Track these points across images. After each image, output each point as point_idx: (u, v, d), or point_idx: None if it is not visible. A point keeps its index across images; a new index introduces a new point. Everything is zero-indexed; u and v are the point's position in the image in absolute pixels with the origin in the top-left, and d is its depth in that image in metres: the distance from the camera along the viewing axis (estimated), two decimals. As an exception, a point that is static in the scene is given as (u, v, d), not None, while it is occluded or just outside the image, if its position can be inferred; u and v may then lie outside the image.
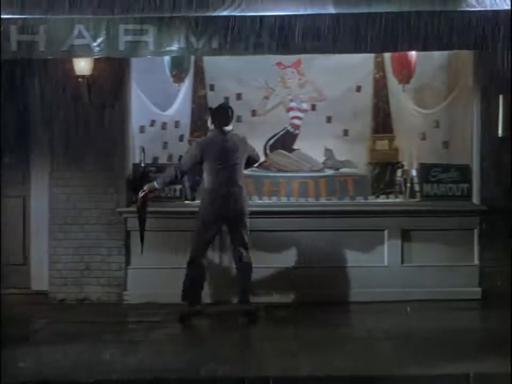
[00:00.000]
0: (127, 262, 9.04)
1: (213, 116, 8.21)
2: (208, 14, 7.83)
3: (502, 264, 9.05)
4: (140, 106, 9.42)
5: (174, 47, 7.81)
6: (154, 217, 8.92)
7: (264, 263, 8.89)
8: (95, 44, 7.71)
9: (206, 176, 8.11)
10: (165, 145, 9.79)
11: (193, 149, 8.20)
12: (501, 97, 9.02)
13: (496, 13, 7.80)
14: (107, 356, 6.80)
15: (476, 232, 9.11)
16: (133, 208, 8.71)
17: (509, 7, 7.83)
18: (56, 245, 9.03)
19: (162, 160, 9.60)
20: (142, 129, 9.59)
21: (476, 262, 9.11)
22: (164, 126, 9.77)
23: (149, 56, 8.05)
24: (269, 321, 8.17)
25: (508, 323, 7.47)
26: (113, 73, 8.90)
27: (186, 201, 9.24)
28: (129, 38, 7.75)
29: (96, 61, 8.65)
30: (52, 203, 9.04)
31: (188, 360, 6.77)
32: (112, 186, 9.01)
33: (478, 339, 7.55)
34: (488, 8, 7.86)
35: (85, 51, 7.80)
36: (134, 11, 7.81)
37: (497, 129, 9.08)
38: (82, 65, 8.66)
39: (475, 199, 9.17)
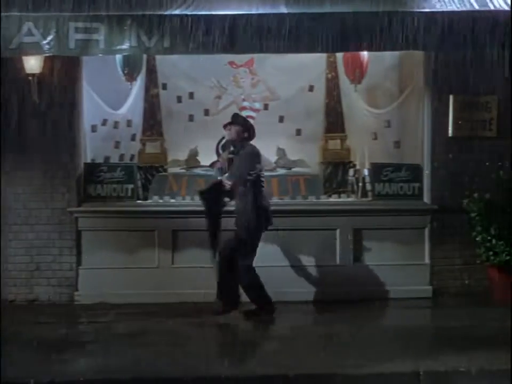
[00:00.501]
0: (78, 262, 8.97)
1: (249, 128, 8.02)
2: (159, 12, 7.80)
3: (452, 263, 9.17)
4: (92, 105, 9.35)
5: (125, 45, 7.76)
6: (105, 216, 8.91)
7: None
8: (44, 42, 7.64)
9: (255, 188, 7.93)
10: (117, 144, 9.73)
11: (257, 158, 8.02)
12: (451, 97, 9.12)
13: (446, 14, 7.89)
14: (56, 357, 6.73)
15: (426, 231, 9.20)
16: (84, 208, 8.69)
17: (456, 9, 7.93)
18: (6, 245, 8.91)
19: (114, 159, 9.54)
20: (93, 128, 9.52)
21: (427, 260, 9.20)
22: (116, 125, 9.71)
23: (100, 55, 7.99)
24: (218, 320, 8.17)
25: (466, 321, 7.62)
26: (64, 72, 8.82)
27: (138, 201, 9.20)
28: (79, 36, 7.70)
29: (47, 59, 8.57)
30: (1, 203, 8.91)
31: (139, 360, 6.72)
32: (63, 186, 8.93)
33: (429, 337, 7.61)
34: (437, 10, 7.94)
35: (35, 49, 7.73)
36: (84, 9, 7.75)
37: (447, 129, 9.18)
38: (32, 64, 8.56)
39: (426, 198, 9.26)
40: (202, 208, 8.78)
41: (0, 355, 6.59)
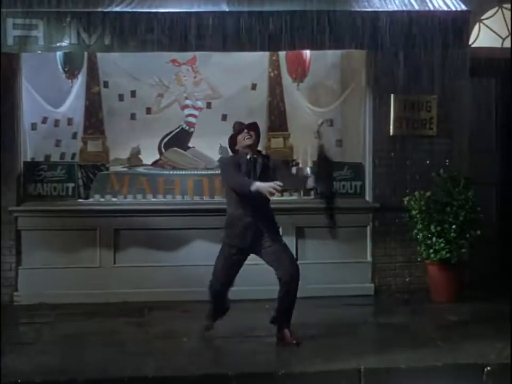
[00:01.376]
0: (18, 262, 8.84)
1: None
2: (100, 9, 7.73)
3: (394, 261, 9.25)
4: (31, 102, 9.21)
5: (65, 42, 7.69)
6: (45, 216, 8.81)
7: (159, 262, 8.89)
8: (-19, 38, 7.52)
9: None
10: (57, 142, 9.59)
11: None
12: (392, 96, 9.20)
13: (386, 13, 7.96)
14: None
15: (368, 229, 9.28)
16: (24, 207, 8.59)
17: (396, 8, 8.01)
18: None
19: (55, 158, 9.42)
20: (33, 126, 9.39)
21: (369, 258, 9.27)
22: (56, 123, 9.56)
23: (39, 52, 7.88)
24: (161, 319, 8.12)
25: (404, 318, 7.69)
26: (3, 69, 8.64)
27: (79, 200, 9.11)
28: (18, 32, 7.61)
29: (-16, 56, 8.42)
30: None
31: (82, 361, 6.65)
32: (2, 185, 8.77)
33: (370, 334, 7.66)
34: (378, 9, 8.00)
35: (-28, 45, 7.60)
36: (23, 5, 7.64)
37: (389, 128, 9.26)
38: (-30, 60, 8.41)
39: (368, 196, 9.33)
40: (146, 207, 8.82)
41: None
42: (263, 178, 6.94)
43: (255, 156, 7.11)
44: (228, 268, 7.23)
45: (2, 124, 8.69)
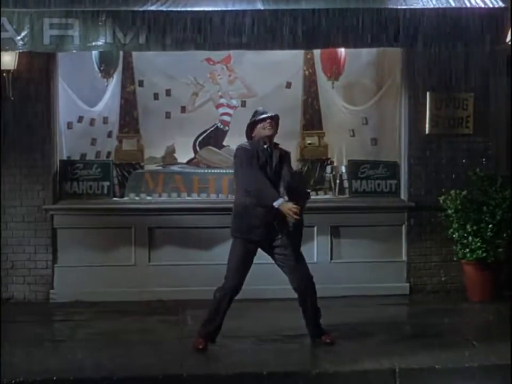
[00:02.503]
0: (54, 260, 8.91)
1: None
2: (135, 8, 7.75)
3: (429, 260, 9.19)
4: (67, 102, 9.29)
5: (100, 42, 7.72)
6: (81, 214, 8.87)
7: (193, 260, 8.90)
8: (18, 38, 7.58)
9: None
10: (93, 141, 9.64)
11: None
12: (428, 94, 9.13)
13: (423, 11, 7.90)
14: (32, 356, 6.69)
15: (403, 228, 9.22)
16: (60, 205, 8.67)
17: (433, 6, 7.94)
18: (-20, 243, 8.85)
19: (90, 156, 9.48)
20: (69, 125, 9.45)
21: (404, 257, 9.21)
22: (92, 122, 9.61)
23: (75, 51, 7.92)
24: (195, 318, 8.14)
25: (439, 318, 7.64)
26: (39, 68, 8.74)
27: (114, 198, 9.16)
28: (54, 32, 7.65)
29: (21, 55, 8.47)
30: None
31: (116, 359, 6.68)
32: (38, 183, 8.86)
33: (406, 334, 7.61)
34: (415, 7, 7.94)
35: (8, 45, 7.65)
36: (59, 5, 7.68)
37: (424, 127, 9.19)
38: (6, 60, 8.44)
39: (403, 195, 9.27)
40: (180, 206, 8.85)
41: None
42: (277, 171, 6.89)
43: (271, 147, 7.00)
44: (242, 266, 7.01)
45: (39, 123, 8.76)
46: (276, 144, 7.09)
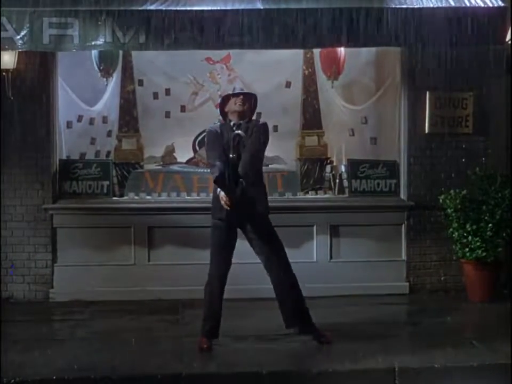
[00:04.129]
0: (54, 259, 8.91)
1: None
2: (135, 8, 7.75)
3: (429, 259, 9.19)
4: (67, 101, 9.30)
5: (100, 41, 7.72)
6: (80, 213, 8.88)
7: (193, 260, 8.89)
8: (18, 37, 7.57)
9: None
10: (92, 140, 9.65)
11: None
12: (427, 94, 9.13)
13: (422, 10, 7.90)
14: (31, 355, 6.69)
15: (403, 227, 9.21)
16: (59, 205, 8.67)
17: (432, 5, 7.94)
18: (-21, 243, 8.85)
19: (90, 156, 9.48)
20: (69, 125, 9.47)
21: (403, 257, 9.21)
22: (91, 121, 9.62)
23: (74, 50, 7.92)
24: (195, 317, 8.14)
25: (439, 317, 7.64)
26: (39, 67, 8.74)
27: (114, 198, 9.16)
28: (53, 31, 7.64)
29: (21, 55, 8.49)
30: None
31: (115, 358, 6.68)
32: (38, 183, 8.86)
33: (405, 333, 7.61)
34: (414, 6, 7.94)
35: (8, 44, 7.63)
36: (58, 4, 7.68)
37: (424, 126, 9.19)
38: (6, 59, 8.44)
39: (402, 194, 9.27)
40: (180, 205, 8.86)
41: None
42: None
43: (240, 122, 6.98)
44: (221, 250, 7.05)
45: (38, 122, 8.77)
46: (250, 121, 7.08)
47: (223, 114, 7.15)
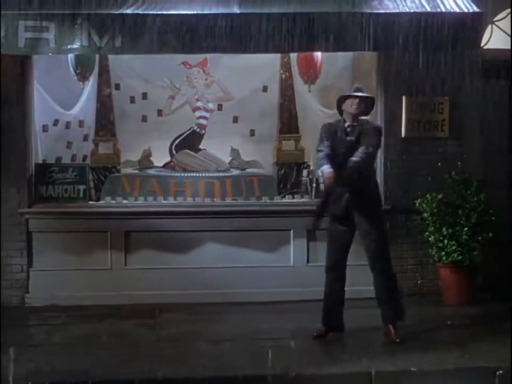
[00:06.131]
0: (29, 264, 8.85)
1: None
2: (111, 11, 7.73)
3: (405, 263, 9.21)
4: (43, 105, 9.24)
5: (76, 45, 7.70)
6: (57, 218, 8.83)
7: (170, 264, 8.88)
8: (-8, 41, 7.55)
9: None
10: (69, 144, 9.59)
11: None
12: (403, 98, 9.17)
13: (398, 15, 7.94)
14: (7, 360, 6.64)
15: (380, 231, 9.22)
16: (35, 209, 8.62)
17: (409, 10, 7.99)
18: (-46, 248, 8.77)
19: (66, 160, 9.43)
20: (45, 128, 9.41)
21: (380, 261, 9.21)
22: (67, 125, 9.57)
23: (50, 54, 7.90)
24: (172, 321, 8.12)
25: (415, 320, 7.67)
26: (14, 71, 8.67)
27: (90, 202, 9.13)
28: (29, 34, 7.61)
29: (-4, 58, 8.44)
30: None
31: (92, 363, 6.65)
32: (13, 187, 8.78)
33: (381, 337, 7.61)
34: (389, 11, 7.98)
35: (-17, 47, 7.61)
36: (34, 7, 7.64)
37: (400, 130, 9.23)
38: (-19, 62, 8.42)
39: (379, 198, 9.29)
40: (157, 209, 8.84)
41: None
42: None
43: (355, 124, 7.17)
44: (334, 246, 7.32)
45: (14, 126, 8.71)
46: (367, 122, 7.31)
47: (339, 111, 7.37)
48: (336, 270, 7.39)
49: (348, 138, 7.15)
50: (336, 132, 7.22)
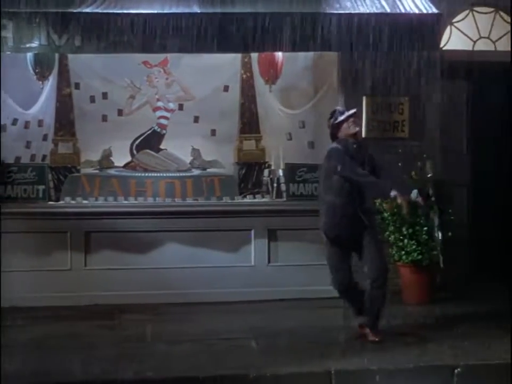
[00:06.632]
0: (-13, 265, 8.76)
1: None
2: (70, 10, 7.68)
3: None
4: (1, 104, 9.13)
5: (35, 43, 7.65)
6: (16, 218, 8.74)
7: (130, 264, 8.85)
8: (-50, 39, 7.46)
9: None
10: (28, 144, 9.52)
11: None
12: (364, 98, 9.22)
13: (358, 15, 7.99)
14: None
15: (342, 231, 9.26)
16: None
17: (369, 11, 8.04)
18: None
19: (25, 160, 9.34)
20: (3, 128, 9.32)
21: (341, 260, 9.24)
22: (26, 124, 9.50)
23: (9, 53, 7.82)
24: (132, 322, 8.08)
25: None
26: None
27: (50, 202, 9.05)
28: (-14, 33, 7.53)
29: (-48, 57, 8.34)
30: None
31: (51, 364, 6.60)
32: (-30, 186, 8.72)
33: (342, 336, 7.64)
34: (350, 11, 8.02)
35: None
36: (-8, 5, 7.58)
37: (361, 130, 9.25)
38: None
39: (340, 198, 9.32)
40: (117, 209, 8.79)
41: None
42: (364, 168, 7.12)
43: (360, 144, 7.24)
44: (338, 258, 7.31)
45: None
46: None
47: (335, 138, 7.30)
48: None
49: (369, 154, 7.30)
50: (348, 152, 7.15)
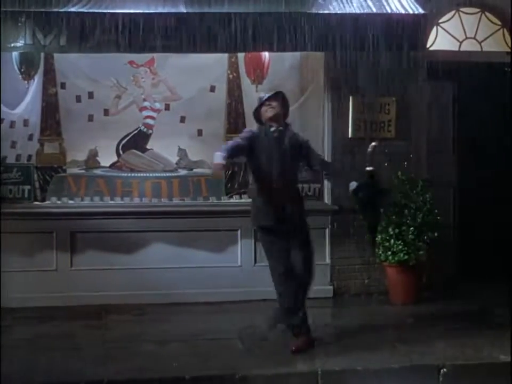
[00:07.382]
0: (-27, 266, 8.72)
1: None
2: (56, 9, 7.64)
3: (352, 263, 9.27)
4: (-16, 104, 9.12)
5: (20, 43, 7.60)
6: (1, 219, 8.69)
7: (116, 265, 8.82)
8: None
9: None
10: (13, 144, 9.42)
11: None
12: (350, 98, 9.23)
13: (344, 16, 7.99)
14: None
15: (327, 231, 9.28)
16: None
17: (355, 11, 8.04)
18: None
19: (10, 160, 9.27)
20: (-12, 128, 9.28)
21: (327, 260, 9.27)
22: (12, 124, 9.39)
23: (-7, 52, 7.79)
24: (118, 322, 8.06)
25: (362, 320, 7.69)
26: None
27: (35, 202, 9.01)
28: (-29, 31, 7.49)
29: None
30: None
31: (35, 365, 6.57)
32: (-44, 186, 8.68)
33: (328, 337, 7.64)
34: (336, 12, 8.03)
35: None
36: (-24, 4, 7.54)
37: (347, 130, 9.28)
38: None
39: (326, 198, 9.35)
40: (103, 210, 8.77)
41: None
42: (292, 156, 6.98)
43: (280, 128, 7.07)
44: (276, 252, 7.14)
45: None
46: (287, 125, 7.20)
47: (262, 124, 7.25)
48: None
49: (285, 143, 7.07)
50: (258, 138, 7.14)
